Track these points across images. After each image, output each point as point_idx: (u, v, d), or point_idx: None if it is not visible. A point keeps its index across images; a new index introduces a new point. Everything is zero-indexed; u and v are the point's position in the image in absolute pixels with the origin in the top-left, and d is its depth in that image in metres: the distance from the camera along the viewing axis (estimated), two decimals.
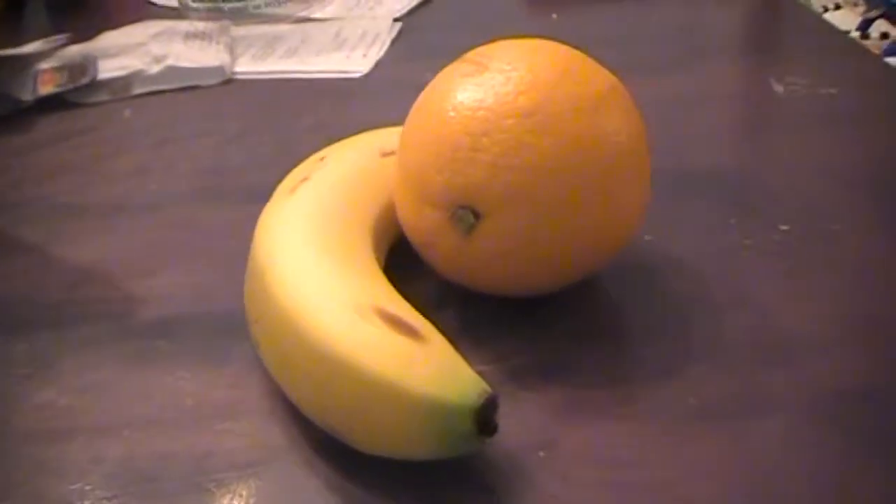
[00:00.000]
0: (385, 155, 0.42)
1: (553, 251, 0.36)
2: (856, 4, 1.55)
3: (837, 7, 1.64)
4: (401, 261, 0.41)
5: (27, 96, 0.64)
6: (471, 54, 0.39)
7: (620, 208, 0.37)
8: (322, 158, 0.42)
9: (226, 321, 0.41)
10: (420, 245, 0.39)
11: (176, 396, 0.38)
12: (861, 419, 0.35)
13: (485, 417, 0.31)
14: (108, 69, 0.66)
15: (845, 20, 1.51)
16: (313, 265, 0.35)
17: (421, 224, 0.37)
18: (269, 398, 0.37)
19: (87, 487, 0.34)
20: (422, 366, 0.31)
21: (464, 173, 0.35)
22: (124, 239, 0.49)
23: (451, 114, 0.36)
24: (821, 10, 1.53)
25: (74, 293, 0.45)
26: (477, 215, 0.35)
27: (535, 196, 0.35)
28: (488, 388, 0.31)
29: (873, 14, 1.54)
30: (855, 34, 1.53)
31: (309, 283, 0.34)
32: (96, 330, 0.42)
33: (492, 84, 0.36)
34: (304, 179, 0.40)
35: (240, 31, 0.73)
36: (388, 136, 0.44)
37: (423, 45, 0.71)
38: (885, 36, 1.57)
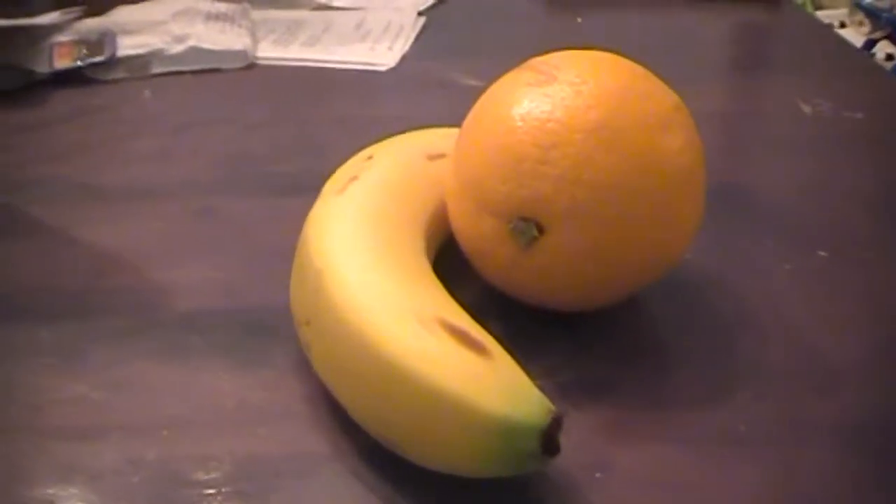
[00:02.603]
0: (432, 158, 0.42)
1: (610, 268, 0.36)
2: (861, 24, 1.56)
3: (843, 25, 1.65)
4: (440, 266, 0.40)
5: (42, 69, 0.62)
6: (535, 62, 0.38)
7: (678, 227, 0.37)
8: (370, 157, 0.41)
9: (261, 318, 0.40)
10: (473, 253, 0.38)
11: (215, 396, 0.36)
12: None
13: (549, 437, 0.30)
14: (127, 46, 0.64)
15: (850, 39, 1.52)
16: (373, 271, 0.34)
17: (477, 232, 0.37)
18: (312, 402, 0.36)
19: (124, 490, 0.32)
20: (489, 382, 0.30)
21: (529, 185, 0.34)
22: (148, 225, 0.48)
23: (519, 123, 0.35)
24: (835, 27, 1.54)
25: (99, 281, 0.44)
26: (540, 229, 0.35)
27: (600, 212, 0.34)
28: (553, 407, 0.30)
29: (878, 35, 1.55)
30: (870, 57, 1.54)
31: (370, 289, 0.33)
32: (125, 321, 0.41)
33: (561, 96, 0.35)
34: (353, 179, 0.39)
35: (259, 14, 0.72)
36: (434, 139, 0.43)
37: (448, 42, 0.70)
38: (889, 57, 1.59)
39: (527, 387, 0.31)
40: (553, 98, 0.35)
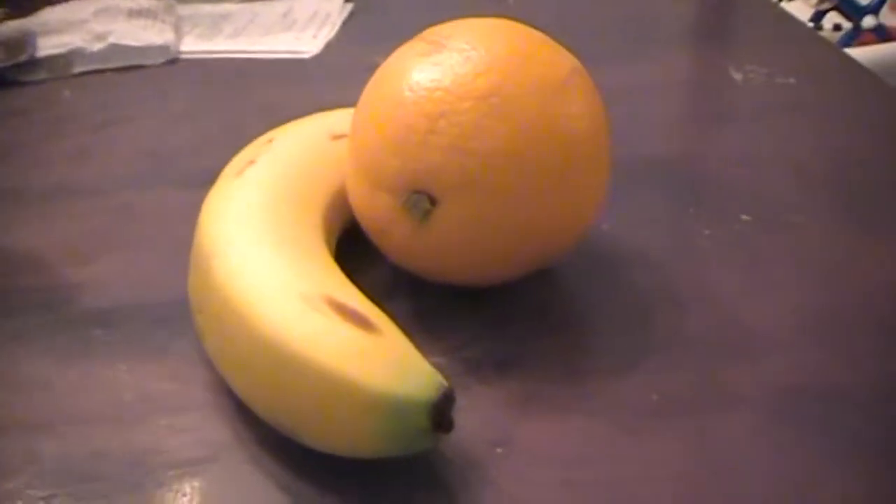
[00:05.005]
0: (335, 138, 0.41)
1: (510, 239, 0.35)
2: None
3: None
4: (351, 247, 0.39)
5: None
6: (427, 33, 0.37)
7: (580, 196, 0.36)
8: (270, 141, 0.40)
9: (168, 311, 0.40)
10: (373, 232, 0.37)
11: (115, 390, 0.36)
12: (822, 415, 0.34)
13: (440, 413, 0.29)
14: (47, 46, 0.63)
15: (798, 11, 1.52)
16: (261, 252, 0.33)
17: (374, 210, 0.36)
18: (212, 392, 0.35)
19: (21, 486, 0.32)
20: (375, 359, 0.29)
21: (419, 157, 0.34)
22: (63, 225, 0.47)
23: (407, 94, 0.34)
24: (775, 0, 1.53)
25: (9, 282, 0.43)
26: (433, 201, 0.34)
27: (494, 182, 0.34)
28: (444, 382, 0.30)
29: (826, 6, 1.55)
30: (808, 25, 1.53)
31: (256, 271, 0.32)
32: (31, 321, 0.40)
33: (450, 64, 0.34)
34: (251, 162, 0.38)
35: (185, 9, 0.71)
36: (337, 119, 0.42)
37: (374, 27, 0.69)
38: (837, 27, 1.59)
39: (416, 362, 0.30)
40: (442, 66, 0.34)
